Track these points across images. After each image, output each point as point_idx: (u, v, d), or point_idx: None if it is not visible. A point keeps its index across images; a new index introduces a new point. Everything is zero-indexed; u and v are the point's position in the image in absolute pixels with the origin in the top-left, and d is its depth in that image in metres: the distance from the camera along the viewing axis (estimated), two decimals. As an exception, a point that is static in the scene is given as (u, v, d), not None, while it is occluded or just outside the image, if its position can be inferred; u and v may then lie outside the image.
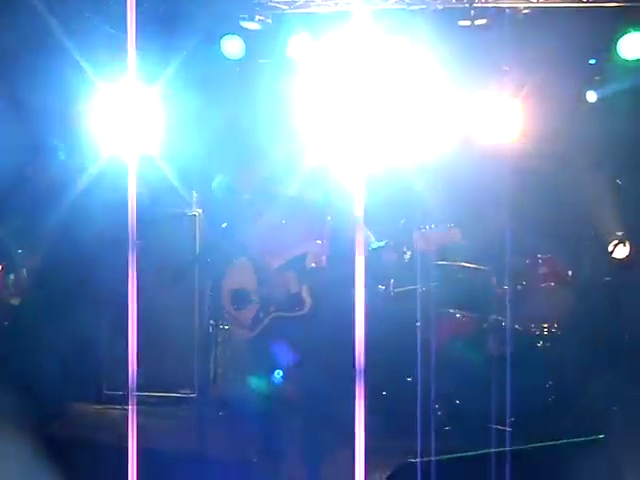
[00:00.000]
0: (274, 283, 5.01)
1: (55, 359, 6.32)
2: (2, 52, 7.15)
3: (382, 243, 5.04)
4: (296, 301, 5.03)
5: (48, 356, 6.18)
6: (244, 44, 7.95)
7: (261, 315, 5.09)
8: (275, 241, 5.10)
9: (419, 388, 6.31)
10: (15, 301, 6.88)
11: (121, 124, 6.54)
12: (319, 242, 5.08)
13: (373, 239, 5.16)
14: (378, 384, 7.16)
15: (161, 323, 8.02)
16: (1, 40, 6.87)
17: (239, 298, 5.13)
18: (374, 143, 7.99)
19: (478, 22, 7.49)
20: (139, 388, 7.75)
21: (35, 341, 6.02)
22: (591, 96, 8.14)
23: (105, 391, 8.07)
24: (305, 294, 5.02)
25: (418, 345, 6.13)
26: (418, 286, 6.71)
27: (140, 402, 7.79)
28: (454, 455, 3.16)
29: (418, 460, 3.01)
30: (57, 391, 6.49)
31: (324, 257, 5.14)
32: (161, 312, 7.98)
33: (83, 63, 6.71)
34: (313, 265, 5.02)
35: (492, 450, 3.17)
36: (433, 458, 3.05)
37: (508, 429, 6.12)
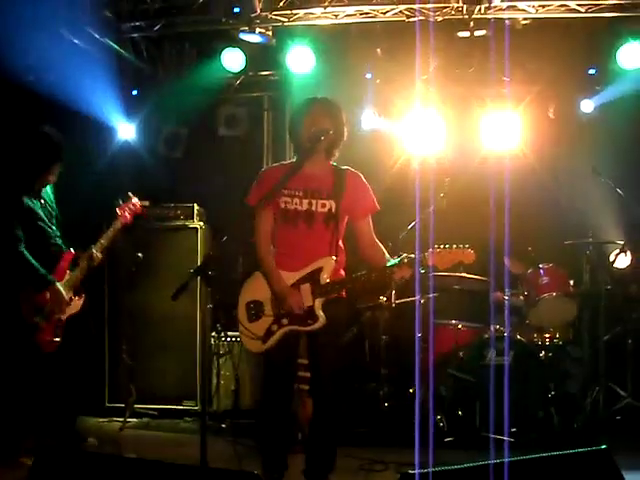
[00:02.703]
0: (292, 306, 5.01)
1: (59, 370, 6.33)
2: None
3: (398, 260, 5.01)
4: (309, 315, 5.03)
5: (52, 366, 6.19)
6: (244, 57, 7.97)
7: (274, 328, 5.09)
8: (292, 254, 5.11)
9: (418, 399, 6.33)
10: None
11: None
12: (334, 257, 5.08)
13: (388, 256, 5.16)
14: (380, 396, 7.18)
15: (163, 335, 8.05)
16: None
17: (253, 310, 5.13)
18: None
19: (477, 33, 7.50)
20: (141, 400, 7.84)
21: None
22: (591, 106, 8.17)
23: (107, 403, 8.09)
24: (318, 308, 5.02)
25: (418, 356, 6.12)
26: (418, 297, 6.72)
27: (143, 414, 7.89)
28: (454, 467, 3.15)
29: (417, 472, 3.00)
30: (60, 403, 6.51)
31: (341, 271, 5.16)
32: (163, 324, 8.02)
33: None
34: (327, 280, 5.02)
35: (493, 461, 3.16)
36: (432, 469, 3.04)
37: (509, 439, 6.12)
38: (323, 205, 5.08)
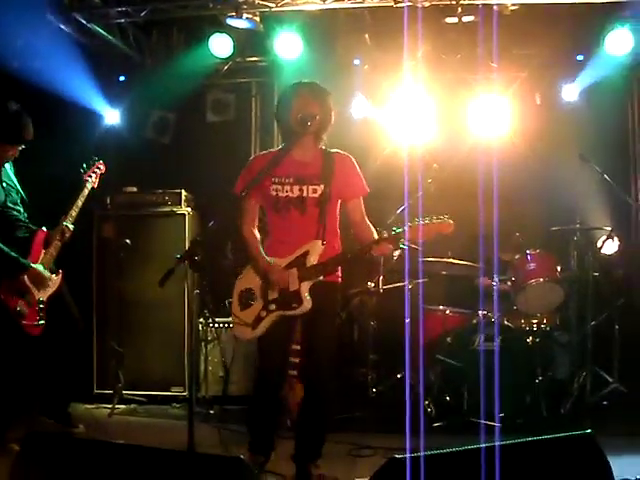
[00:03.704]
0: (276, 281, 5.02)
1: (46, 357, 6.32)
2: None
3: (378, 238, 5.02)
4: (294, 298, 5.03)
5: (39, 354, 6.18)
6: (232, 42, 7.95)
7: (263, 314, 5.09)
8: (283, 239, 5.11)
9: (407, 384, 6.34)
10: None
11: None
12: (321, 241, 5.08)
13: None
14: (368, 382, 7.20)
15: (151, 321, 8.05)
16: None
17: (244, 299, 5.13)
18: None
19: (465, 19, 7.49)
20: (129, 386, 7.84)
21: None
22: (576, 89, 8.18)
23: (95, 390, 8.08)
24: (304, 292, 5.02)
25: (407, 342, 6.13)
26: (406, 283, 6.73)
27: (131, 400, 7.88)
28: (442, 451, 3.16)
29: (407, 456, 3.01)
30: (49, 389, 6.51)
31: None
32: (151, 310, 8.01)
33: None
34: (314, 262, 5.02)
35: (481, 445, 3.17)
36: (421, 454, 3.05)
37: (497, 424, 6.15)
38: (314, 190, 5.06)
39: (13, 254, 5.87)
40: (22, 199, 6.19)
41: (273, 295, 5.07)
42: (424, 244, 5.25)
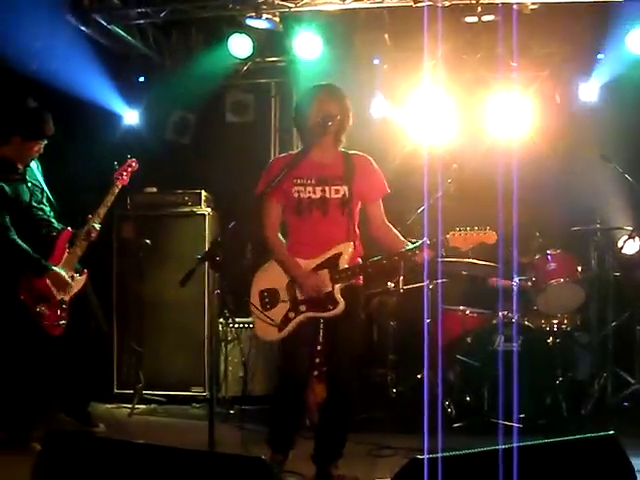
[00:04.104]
0: (311, 287, 5.01)
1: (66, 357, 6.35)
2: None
3: (419, 243, 5.04)
4: (329, 300, 5.03)
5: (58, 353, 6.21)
6: (252, 42, 7.96)
7: (291, 315, 5.07)
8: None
9: (427, 385, 6.32)
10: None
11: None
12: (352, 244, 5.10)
13: (403, 238, 5.19)
14: (388, 382, 7.19)
15: (171, 321, 8.07)
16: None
17: (267, 299, 5.10)
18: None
19: (485, 18, 7.47)
20: (149, 386, 7.86)
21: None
22: (599, 90, 8.13)
23: (115, 390, 8.11)
24: (337, 293, 5.02)
25: (426, 342, 6.12)
26: (426, 283, 6.71)
27: (151, 400, 7.90)
28: (463, 452, 3.14)
29: (425, 457, 3.00)
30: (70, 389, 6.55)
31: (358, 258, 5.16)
32: (170, 310, 8.03)
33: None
34: (346, 265, 5.03)
35: (501, 447, 3.16)
36: (444, 455, 3.04)
37: (518, 425, 6.12)
38: (337, 191, 5.06)
39: (35, 255, 5.91)
40: (48, 198, 6.22)
41: (302, 296, 5.06)
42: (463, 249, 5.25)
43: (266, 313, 5.06)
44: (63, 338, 6.06)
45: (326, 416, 5.33)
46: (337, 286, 5.01)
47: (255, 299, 5.13)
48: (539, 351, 6.70)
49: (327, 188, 5.06)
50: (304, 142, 5.18)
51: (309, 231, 5.08)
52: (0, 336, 6.09)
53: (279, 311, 5.06)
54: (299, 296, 5.05)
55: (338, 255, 5.03)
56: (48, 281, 5.95)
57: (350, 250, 5.05)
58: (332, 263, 5.02)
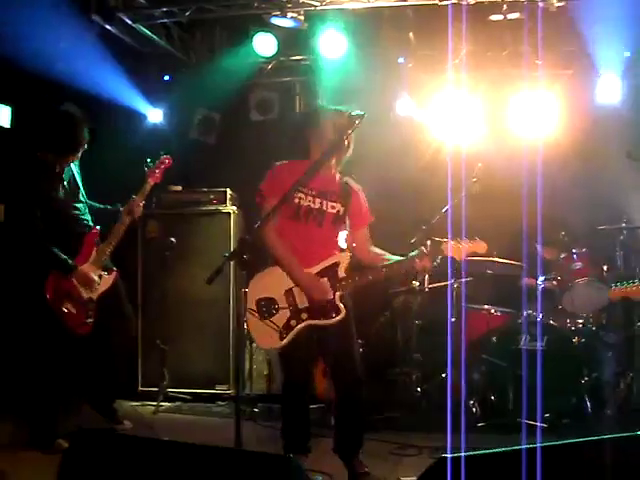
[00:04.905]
0: (316, 285, 5.06)
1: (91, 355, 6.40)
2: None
3: (416, 252, 5.17)
4: (332, 308, 5.08)
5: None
6: (276, 41, 7.97)
7: (292, 323, 5.11)
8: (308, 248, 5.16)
9: (451, 384, 6.31)
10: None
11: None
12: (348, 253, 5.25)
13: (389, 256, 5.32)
14: (412, 381, 7.18)
15: (195, 319, 8.09)
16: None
17: (265, 308, 5.13)
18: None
19: (510, 16, 7.44)
20: (174, 384, 7.88)
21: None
22: (625, 89, 8.09)
23: (140, 387, 8.15)
24: (338, 301, 5.09)
25: (450, 341, 6.12)
26: (450, 282, 6.70)
27: (176, 398, 7.93)
28: (488, 451, 3.14)
29: (449, 455, 3.00)
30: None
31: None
32: (195, 309, 8.06)
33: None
34: (344, 274, 5.12)
35: (526, 446, 3.15)
36: (468, 454, 3.04)
37: (542, 425, 6.10)
38: (333, 207, 5.21)
39: (63, 256, 5.94)
40: (82, 195, 6.25)
41: (304, 304, 5.09)
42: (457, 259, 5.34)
43: (265, 321, 5.10)
44: (91, 336, 6.09)
45: (339, 412, 5.38)
46: (337, 294, 5.10)
47: (253, 308, 5.15)
48: (564, 350, 6.67)
49: (325, 202, 5.20)
50: (316, 155, 5.16)
51: (304, 238, 5.15)
52: (25, 334, 6.15)
53: (279, 319, 5.10)
54: (299, 304, 5.10)
55: (337, 264, 5.17)
56: (74, 280, 5.99)
57: (347, 260, 5.20)
58: (331, 272, 5.14)
